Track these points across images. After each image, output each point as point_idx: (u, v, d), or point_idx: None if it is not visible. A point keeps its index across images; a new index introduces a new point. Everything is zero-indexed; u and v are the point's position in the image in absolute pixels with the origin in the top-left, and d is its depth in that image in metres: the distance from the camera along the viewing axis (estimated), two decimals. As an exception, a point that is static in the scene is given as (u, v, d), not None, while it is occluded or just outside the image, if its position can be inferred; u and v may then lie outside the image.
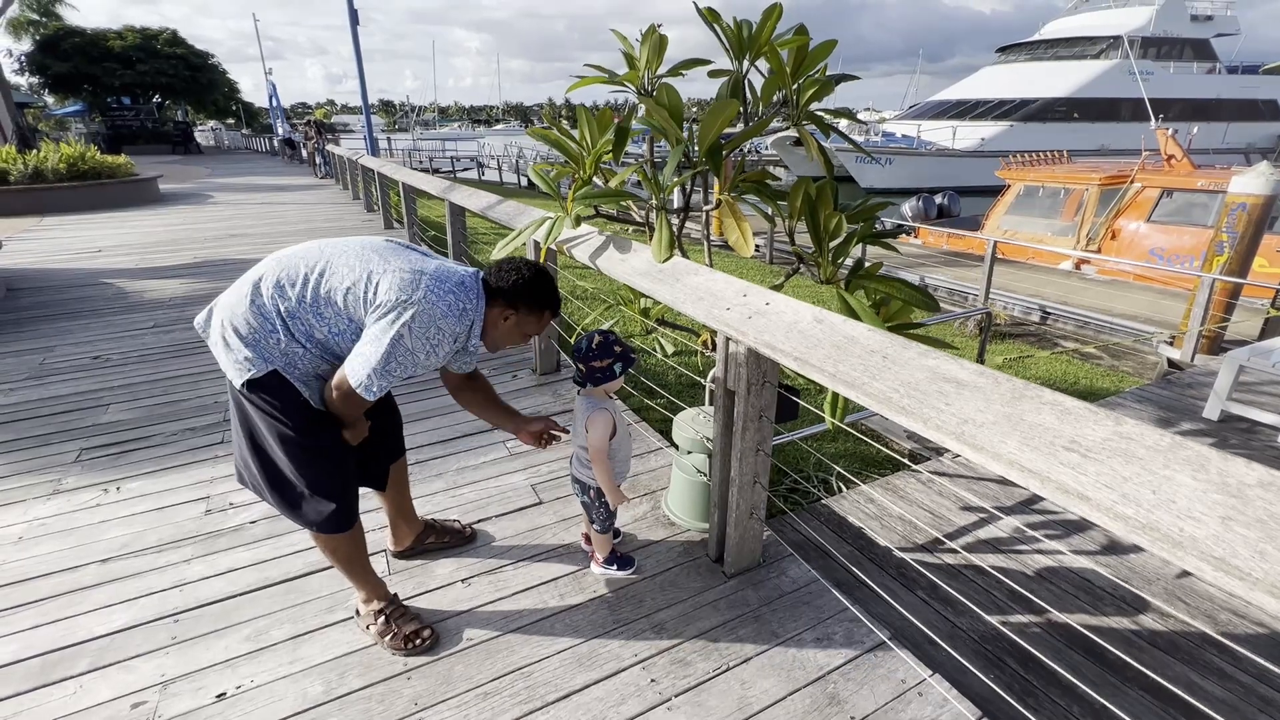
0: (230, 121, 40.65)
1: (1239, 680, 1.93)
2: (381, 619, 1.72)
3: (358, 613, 1.78)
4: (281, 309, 1.42)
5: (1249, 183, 4.75)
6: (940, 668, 1.69)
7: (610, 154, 2.31)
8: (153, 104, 29.78)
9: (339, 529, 1.60)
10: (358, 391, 1.40)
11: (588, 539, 2.06)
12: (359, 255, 1.45)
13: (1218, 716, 1.56)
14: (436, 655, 1.68)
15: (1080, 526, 2.66)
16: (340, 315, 1.44)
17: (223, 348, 1.45)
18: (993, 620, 2.11)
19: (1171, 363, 4.93)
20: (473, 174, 25.26)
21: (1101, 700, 1.65)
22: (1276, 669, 1.43)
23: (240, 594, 1.90)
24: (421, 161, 25.83)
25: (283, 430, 1.48)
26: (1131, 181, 9.16)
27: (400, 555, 2.06)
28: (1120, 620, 2.19)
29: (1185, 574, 2.37)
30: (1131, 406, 3.89)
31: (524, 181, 21.80)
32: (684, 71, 2.34)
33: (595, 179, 2.40)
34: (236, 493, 2.41)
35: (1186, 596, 2.30)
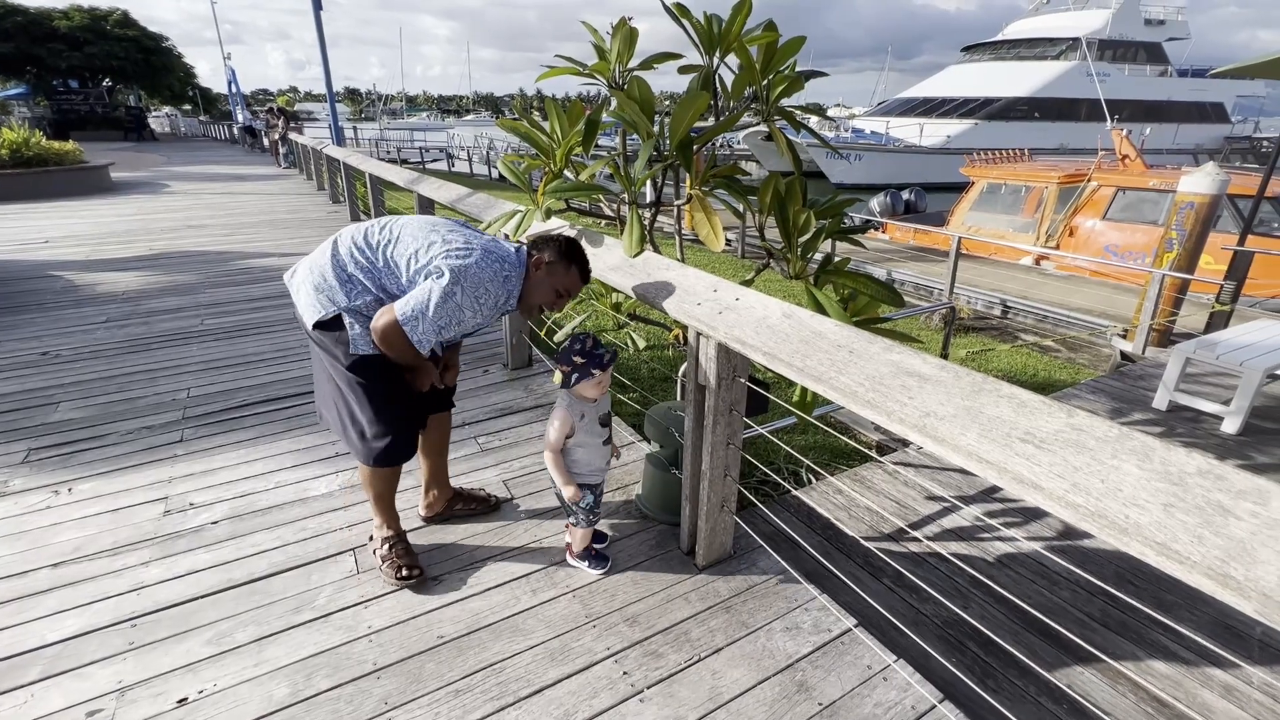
0: (187, 108, 39.15)
1: (1181, 656, 2.03)
2: (386, 545, 1.93)
3: (371, 537, 2.00)
4: (355, 264, 1.65)
5: (1197, 182, 4.95)
6: (904, 653, 1.74)
7: (581, 147, 2.30)
8: (102, 88, 28.44)
9: (391, 463, 1.80)
10: (404, 327, 1.56)
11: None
12: (422, 228, 1.67)
13: (1162, 693, 1.64)
14: (406, 654, 1.66)
15: (1037, 513, 2.76)
16: (404, 275, 1.64)
17: (303, 293, 1.67)
18: (954, 606, 2.17)
19: (1124, 355, 5.13)
20: (442, 165, 24.81)
21: (1055, 681, 1.73)
22: (1215, 646, 1.51)
23: (201, 596, 1.85)
24: (389, 152, 25.27)
25: (343, 368, 1.67)
26: (1088, 180, 9.47)
27: (430, 520, 2.20)
28: (1074, 602, 2.28)
29: (1133, 557, 2.47)
30: (1086, 398, 4.04)
31: (495, 174, 21.50)
32: (655, 65, 2.34)
33: (566, 172, 2.38)
34: (196, 493, 2.34)
35: (1135, 578, 2.40)
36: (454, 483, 2.31)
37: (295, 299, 1.71)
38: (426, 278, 1.58)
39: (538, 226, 2.54)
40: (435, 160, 25.88)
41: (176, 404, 3.05)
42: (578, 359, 1.75)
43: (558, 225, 2.50)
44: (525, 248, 1.76)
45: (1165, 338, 5.13)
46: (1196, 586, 0.75)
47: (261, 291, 4.98)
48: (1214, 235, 5.34)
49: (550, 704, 1.53)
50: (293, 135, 14.30)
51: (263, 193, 10.85)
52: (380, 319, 1.58)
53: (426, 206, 4.87)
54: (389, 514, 1.96)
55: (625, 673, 1.62)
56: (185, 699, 1.52)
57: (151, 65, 29.36)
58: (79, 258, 6.06)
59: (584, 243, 2.33)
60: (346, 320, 1.64)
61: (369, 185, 6.65)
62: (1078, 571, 2.37)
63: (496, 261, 1.64)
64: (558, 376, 1.78)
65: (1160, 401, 3.83)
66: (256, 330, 4.10)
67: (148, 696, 1.53)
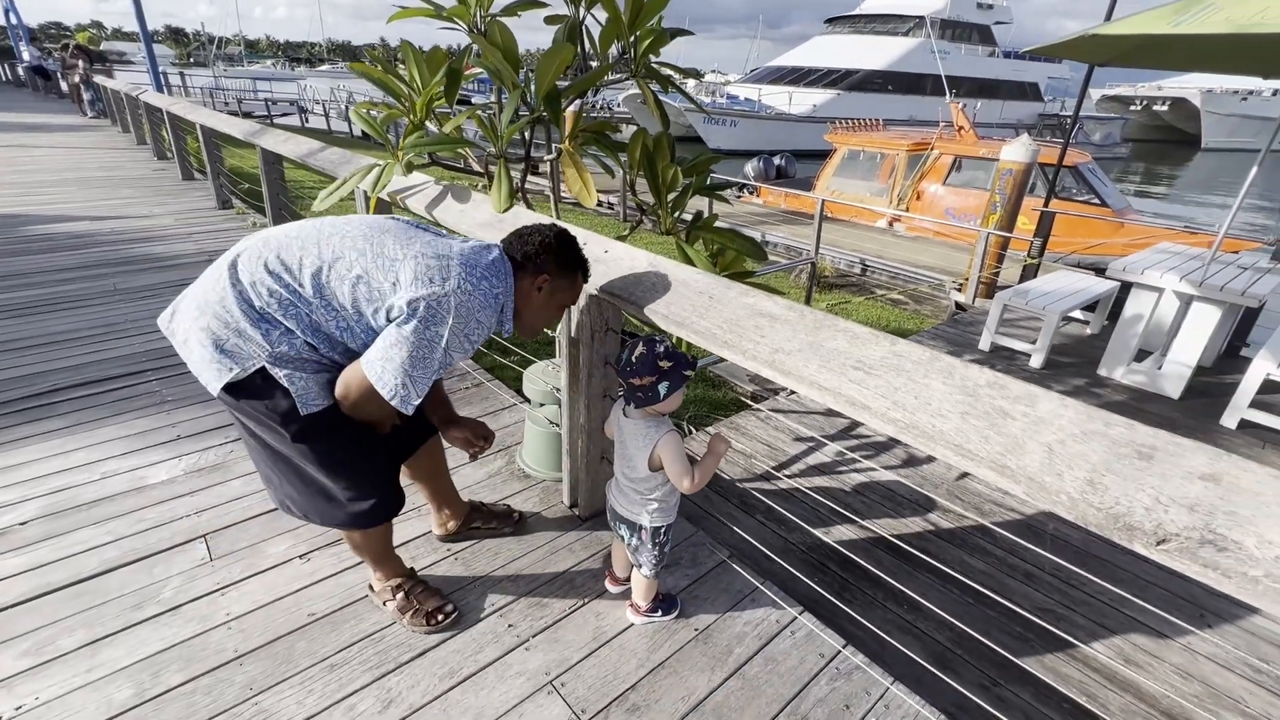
0: (-54, 40, 31.92)
1: (994, 554, 2.40)
2: (401, 595, 1.63)
3: (371, 589, 1.68)
4: (272, 296, 1.20)
5: (1014, 152, 5.64)
6: (773, 577, 1.91)
7: (444, 97, 2.17)
8: None
9: (377, 522, 1.47)
10: (390, 401, 1.20)
11: (615, 579, 1.78)
12: (368, 238, 1.23)
13: (979, 586, 1.93)
14: (273, 636, 1.56)
15: (886, 446, 3.09)
16: (346, 309, 1.21)
17: (194, 344, 1.21)
18: (817, 532, 2.40)
19: (958, 305, 5.81)
20: (294, 120, 22.34)
21: (898, 585, 1.98)
22: (1022, 540, 1.80)
23: (11, 606, 1.61)
24: (227, 103, 22.27)
25: (288, 437, 1.28)
26: (931, 149, 10.44)
27: (446, 540, 1.93)
28: (915, 520, 2.61)
29: (962, 476, 2.86)
30: (927, 343, 4.53)
31: (357, 130, 19.72)
32: (519, 12, 2.24)
33: (429, 124, 2.24)
34: (-3, 491, 2.02)
35: (962, 495, 2.78)
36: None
37: (183, 352, 1.25)
38: (395, 318, 1.19)
39: (398, 181, 2.39)
40: (286, 114, 23.20)
41: (-38, 393, 2.57)
42: (665, 363, 1.32)
43: (420, 181, 2.37)
44: (503, 252, 1.35)
45: (990, 289, 5.86)
46: (984, 478, 0.89)
47: (72, 260, 4.27)
48: (1028, 199, 6.13)
49: (434, 664, 1.51)
50: (99, 79, 12.15)
51: (66, 146, 9.20)
52: (350, 389, 1.23)
53: (273, 163, 4.40)
54: (388, 564, 1.64)
55: (510, 625, 1.64)
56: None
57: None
58: None
59: (449, 199, 2.22)
60: (279, 374, 1.21)
61: (202, 139, 5.85)
62: (919, 491, 2.70)
63: (484, 279, 1.23)
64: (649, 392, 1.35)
65: (984, 343, 4.39)
66: (67, 305, 3.53)
67: (-52, 722, 1.33)
